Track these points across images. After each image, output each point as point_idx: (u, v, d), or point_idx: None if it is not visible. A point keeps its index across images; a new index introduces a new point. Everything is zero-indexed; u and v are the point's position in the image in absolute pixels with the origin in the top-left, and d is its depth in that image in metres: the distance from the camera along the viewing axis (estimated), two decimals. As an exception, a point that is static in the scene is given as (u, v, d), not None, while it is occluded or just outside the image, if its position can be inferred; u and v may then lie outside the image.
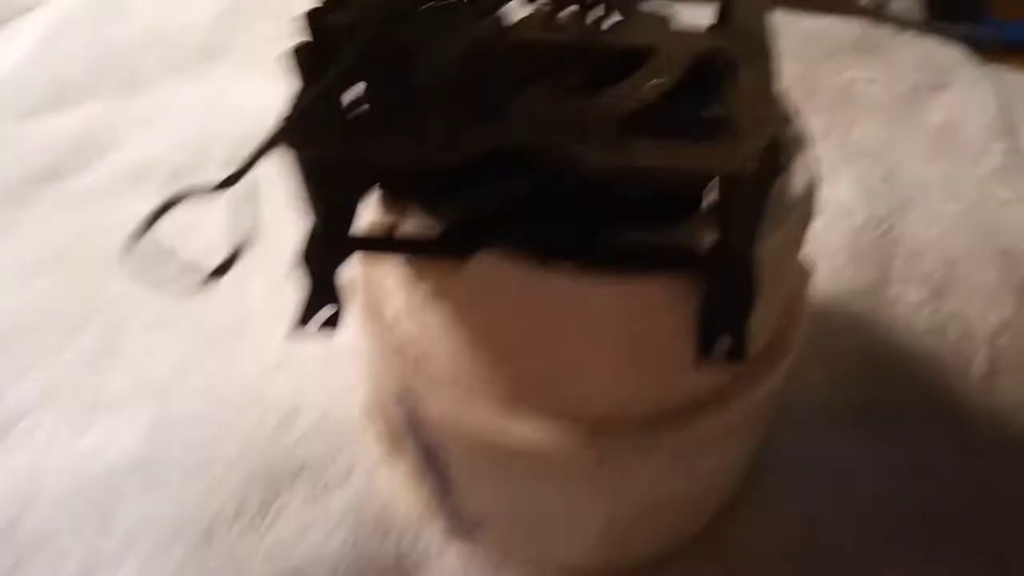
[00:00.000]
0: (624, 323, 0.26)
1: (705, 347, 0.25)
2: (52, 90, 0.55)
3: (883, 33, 0.59)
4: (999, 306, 0.44)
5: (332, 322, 0.27)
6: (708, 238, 0.24)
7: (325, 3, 0.24)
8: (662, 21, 0.25)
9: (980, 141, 0.53)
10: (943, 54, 0.58)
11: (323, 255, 0.26)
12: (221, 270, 0.22)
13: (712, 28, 0.26)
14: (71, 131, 0.53)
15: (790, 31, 0.58)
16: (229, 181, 0.21)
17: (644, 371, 0.27)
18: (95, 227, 0.47)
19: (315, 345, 0.35)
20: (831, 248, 0.46)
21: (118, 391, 0.42)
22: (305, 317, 0.27)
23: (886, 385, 0.41)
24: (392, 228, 0.27)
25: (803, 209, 0.28)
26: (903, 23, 0.66)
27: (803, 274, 0.33)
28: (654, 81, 0.23)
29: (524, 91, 0.23)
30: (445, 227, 0.25)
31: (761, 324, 0.30)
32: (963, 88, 0.56)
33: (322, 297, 0.27)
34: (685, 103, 0.24)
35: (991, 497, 0.38)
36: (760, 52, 0.24)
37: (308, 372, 0.42)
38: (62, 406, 0.41)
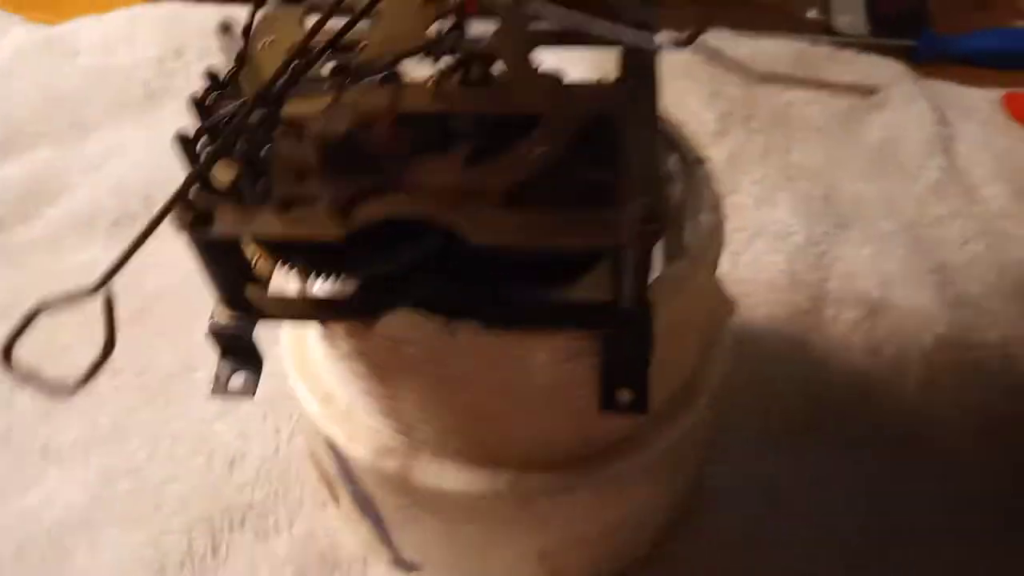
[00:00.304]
0: (529, 376, 0.26)
1: (607, 399, 0.25)
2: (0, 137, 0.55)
3: (821, 53, 0.60)
4: (934, 323, 0.44)
5: (249, 387, 0.27)
6: (602, 294, 0.25)
7: (210, 85, 0.24)
8: (553, 81, 0.25)
9: (917, 157, 0.53)
10: (880, 71, 0.59)
11: (230, 324, 0.27)
12: (85, 380, 0.22)
13: (602, 85, 0.26)
14: (18, 180, 0.53)
15: (730, 54, 0.59)
16: (102, 283, 0.21)
17: (557, 418, 0.28)
18: (41, 278, 0.47)
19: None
20: (770, 271, 0.47)
21: (65, 442, 0.42)
22: (218, 384, 0.27)
23: (824, 406, 0.42)
24: (300, 292, 0.28)
25: (709, 252, 0.29)
26: (846, 38, 0.67)
27: (723, 309, 0.34)
28: (539, 151, 0.23)
29: (415, 161, 0.24)
30: (352, 290, 0.26)
31: (675, 366, 0.30)
32: (900, 105, 0.57)
33: (236, 362, 0.28)
34: (575, 163, 0.24)
35: (929, 512, 0.38)
36: (645, 113, 0.25)
37: (252, 416, 0.42)
38: (8, 460, 0.41)
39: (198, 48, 0.60)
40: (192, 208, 0.23)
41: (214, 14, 0.60)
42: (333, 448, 0.32)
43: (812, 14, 0.71)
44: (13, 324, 0.45)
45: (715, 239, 0.29)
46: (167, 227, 0.50)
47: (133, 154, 0.54)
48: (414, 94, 0.25)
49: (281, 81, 0.23)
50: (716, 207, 0.30)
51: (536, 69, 0.26)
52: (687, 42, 0.23)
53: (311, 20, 0.30)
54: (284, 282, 0.27)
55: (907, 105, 0.57)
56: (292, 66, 0.23)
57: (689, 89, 0.57)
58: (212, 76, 0.25)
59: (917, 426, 0.41)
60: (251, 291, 0.27)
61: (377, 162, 0.24)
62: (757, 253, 0.48)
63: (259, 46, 0.27)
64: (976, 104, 0.58)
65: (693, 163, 0.31)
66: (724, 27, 0.65)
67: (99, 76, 0.59)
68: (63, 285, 0.47)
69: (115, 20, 0.63)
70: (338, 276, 0.25)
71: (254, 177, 0.24)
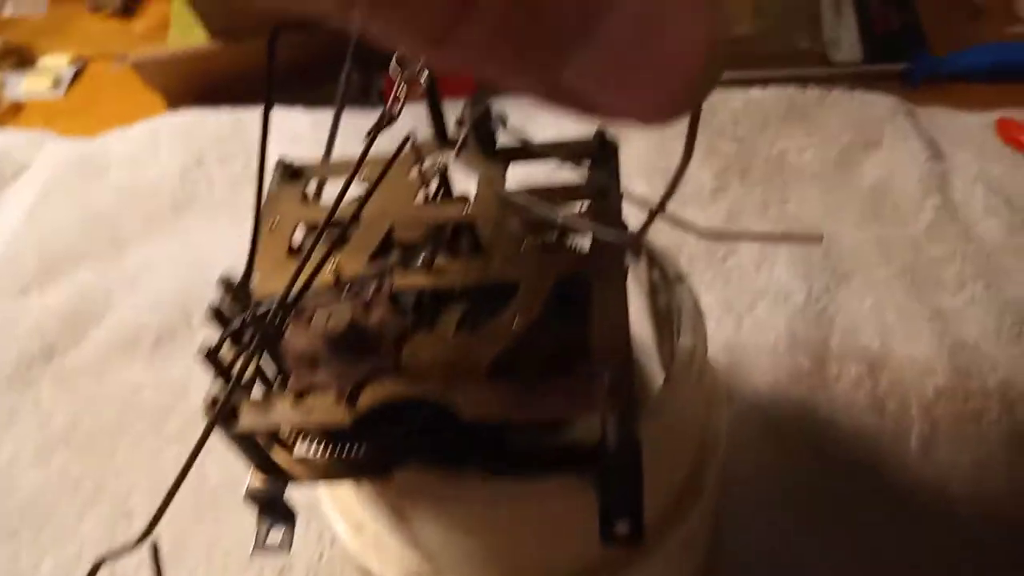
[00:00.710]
0: (530, 512, 0.29)
1: (605, 531, 0.28)
2: (42, 264, 0.59)
3: (812, 97, 0.61)
4: (933, 374, 0.46)
5: (285, 543, 0.31)
6: (593, 435, 0.28)
7: (224, 295, 0.28)
8: (529, 250, 0.28)
9: (913, 198, 0.55)
10: (872, 111, 0.60)
11: (264, 488, 0.30)
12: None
13: (575, 252, 0.29)
14: (65, 304, 0.57)
15: (722, 108, 0.60)
16: (146, 534, 0.24)
17: (560, 547, 0.30)
18: (93, 401, 0.51)
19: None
20: (772, 335, 0.49)
21: (130, 565, 0.46)
22: (258, 541, 0.30)
23: (832, 469, 0.43)
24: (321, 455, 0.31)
25: (690, 375, 0.31)
26: (838, 69, 0.68)
27: (716, 413, 0.36)
28: (518, 320, 0.26)
29: (406, 340, 0.26)
30: (365, 452, 0.29)
31: (670, 477, 0.33)
32: (893, 143, 0.58)
33: (273, 519, 0.31)
34: (548, 321, 0.27)
35: (933, 566, 0.40)
36: (613, 274, 0.27)
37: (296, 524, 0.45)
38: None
39: (217, 154, 0.64)
40: (218, 407, 0.26)
41: (229, 119, 0.64)
42: (367, 572, 0.35)
43: (804, 43, 0.73)
44: (78, 445, 0.48)
45: (695, 362, 0.31)
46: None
47: (167, 268, 0.58)
48: (407, 273, 0.28)
49: (293, 291, 0.25)
50: (695, 328, 0.32)
51: (514, 238, 0.29)
52: (635, 242, 0.26)
53: (311, 198, 0.33)
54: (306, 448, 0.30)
55: (901, 143, 0.58)
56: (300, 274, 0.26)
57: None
58: (226, 283, 0.28)
59: (921, 481, 0.42)
60: (279, 456, 0.30)
61: (376, 340, 0.27)
62: (759, 317, 0.50)
63: (265, 228, 0.31)
64: (970, 131, 0.60)
65: (673, 280, 0.34)
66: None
67: (130, 191, 0.63)
68: (113, 407, 0.51)
69: (140, 133, 0.67)
70: (351, 445, 0.28)
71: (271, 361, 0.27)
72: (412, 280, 0.28)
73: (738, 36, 0.73)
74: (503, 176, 0.31)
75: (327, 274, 0.28)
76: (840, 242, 0.53)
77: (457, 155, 0.31)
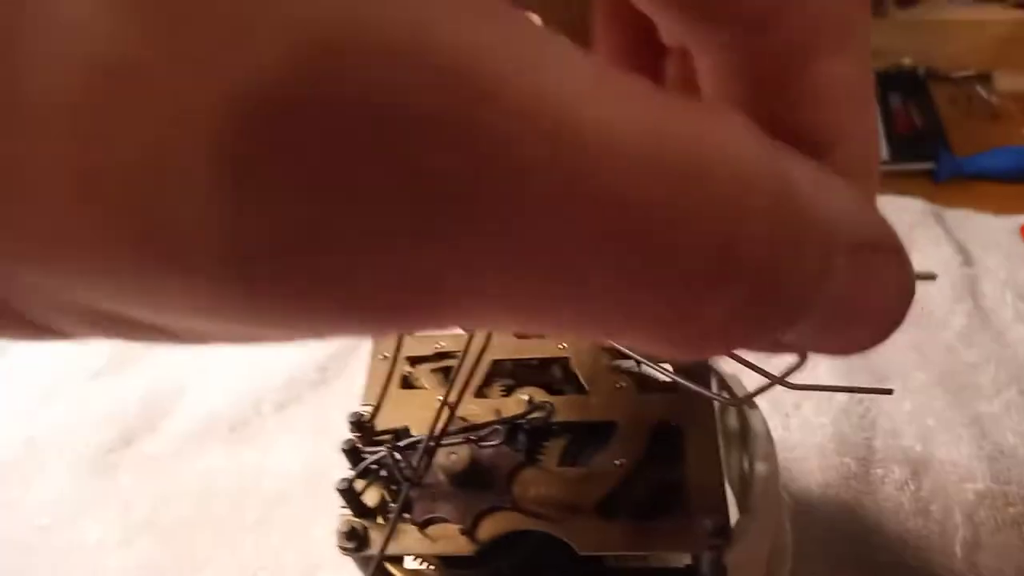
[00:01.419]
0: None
1: None
2: (115, 349, 0.62)
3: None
4: (974, 479, 0.49)
5: None
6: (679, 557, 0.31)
7: (355, 428, 0.31)
8: (626, 393, 0.32)
9: (945, 303, 0.58)
10: (903, 215, 0.64)
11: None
12: None
13: (668, 396, 0.32)
14: (142, 389, 0.60)
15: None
16: None
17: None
18: (172, 490, 0.54)
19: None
20: (819, 435, 0.52)
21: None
22: None
23: (881, 573, 0.46)
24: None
25: (767, 503, 0.34)
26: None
27: (782, 529, 0.39)
28: (619, 461, 0.29)
29: (517, 476, 0.30)
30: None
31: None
32: (924, 248, 0.61)
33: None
34: (651, 464, 0.30)
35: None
36: (704, 420, 0.30)
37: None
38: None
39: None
40: (353, 536, 0.29)
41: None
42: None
43: (833, 141, 0.76)
44: (161, 533, 0.51)
45: (770, 490, 0.34)
46: (278, 430, 0.56)
47: (235, 356, 0.61)
48: (513, 407, 0.31)
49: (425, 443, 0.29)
50: (768, 455, 0.35)
51: (611, 380, 0.32)
52: (740, 402, 0.30)
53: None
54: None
55: (932, 248, 0.61)
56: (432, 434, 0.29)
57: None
58: (357, 422, 0.31)
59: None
60: (397, 570, 0.33)
61: (491, 474, 0.30)
62: (805, 417, 0.52)
63: (378, 358, 0.34)
64: (996, 236, 0.63)
65: (746, 406, 0.37)
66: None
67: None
68: (190, 495, 0.54)
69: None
70: (466, 570, 0.31)
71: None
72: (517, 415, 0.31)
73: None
74: None
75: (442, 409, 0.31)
76: (878, 346, 0.56)
77: None
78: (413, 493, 0.30)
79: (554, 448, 0.31)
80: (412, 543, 0.29)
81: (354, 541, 0.29)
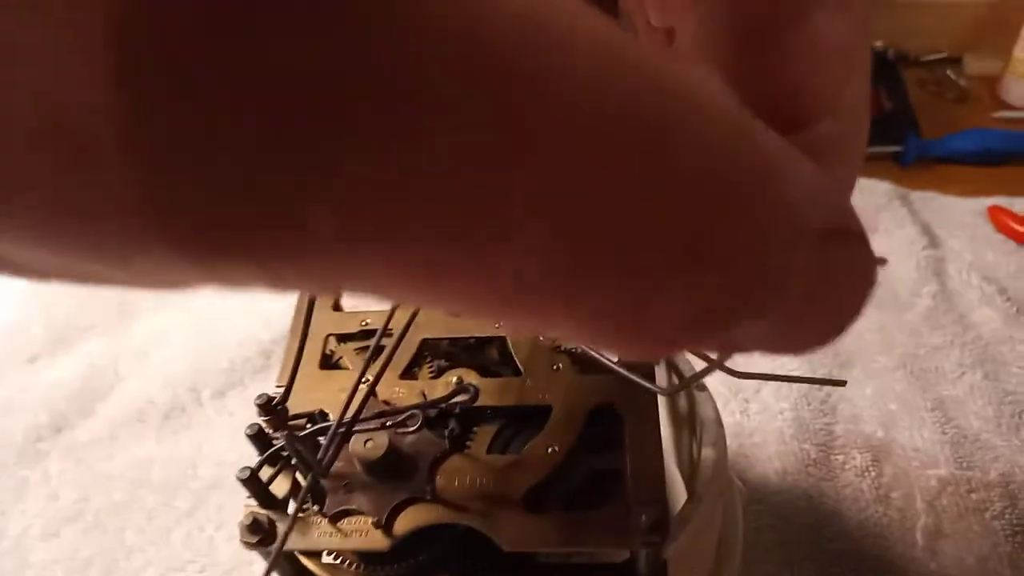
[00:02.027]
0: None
1: None
2: (50, 334, 0.60)
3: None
4: (936, 464, 0.47)
5: None
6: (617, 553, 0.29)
7: (263, 408, 0.28)
8: (562, 376, 0.29)
9: (910, 284, 0.56)
10: (868, 197, 0.62)
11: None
12: None
13: (606, 379, 0.30)
14: (74, 375, 0.57)
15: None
16: None
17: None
18: (102, 478, 0.51)
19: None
20: (779, 421, 0.50)
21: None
22: None
23: (840, 560, 0.44)
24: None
25: (713, 488, 0.32)
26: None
27: (732, 517, 0.37)
28: (552, 448, 0.27)
29: (441, 465, 0.27)
30: (395, 571, 0.29)
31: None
32: (890, 230, 0.60)
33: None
34: (587, 451, 0.28)
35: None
36: (646, 407, 0.28)
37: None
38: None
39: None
40: (257, 528, 0.27)
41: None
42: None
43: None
44: (89, 521, 0.48)
45: (717, 476, 0.32)
46: (217, 417, 0.53)
47: (176, 340, 0.58)
48: (441, 390, 0.29)
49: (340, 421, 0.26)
50: (717, 441, 0.33)
51: (549, 361, 0.30)
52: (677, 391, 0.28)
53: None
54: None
55: (897, 230, 0.60)
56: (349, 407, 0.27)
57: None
58: (265, 405, 0.28)
59: None
60: (311, 564, 0.30)
61: (411, 463, 0.28)
62: (765, 402, 0.51)
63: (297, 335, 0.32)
64: (963, 218, 0.62)
65: (694, 389, 0.35)
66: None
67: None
68: (122, 483, 0.51)
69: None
70: (384, 567, 0.29)
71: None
72: (442, 399, 0.29)
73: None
74: None
75: (361, 390, 0.29)
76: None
77: None
78: (326, 483, 0.28)
79: (484, 435, 0.29)
80: (322, 538, 0.27)
81: (258, 534, 0.27)
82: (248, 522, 0.27)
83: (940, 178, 0.69)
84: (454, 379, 0.30)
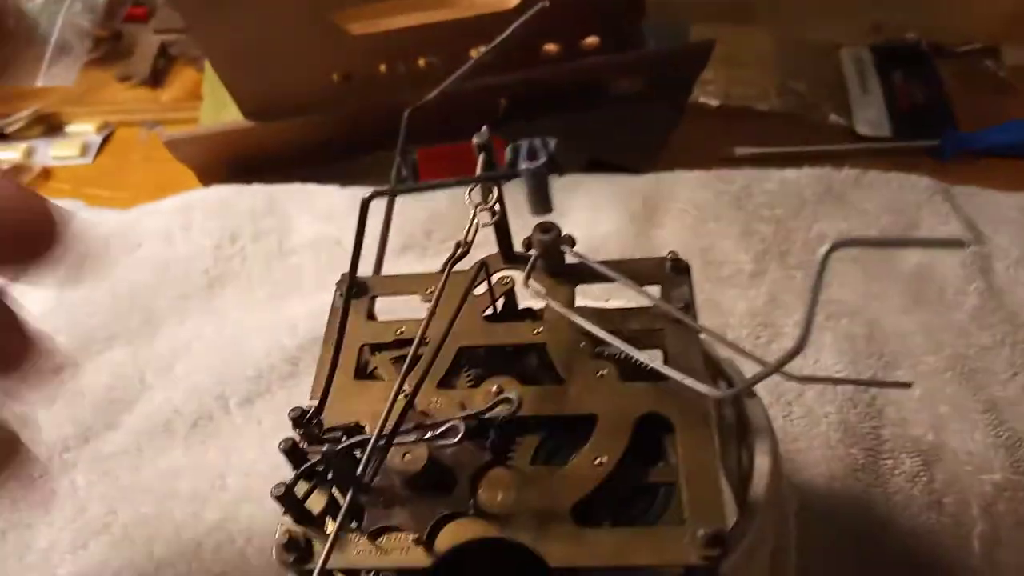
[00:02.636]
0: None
1: None
2: (74, 343, 0.59)
3: (846, 179, 0.61)
4: (991, 469, 0.45)
5: None
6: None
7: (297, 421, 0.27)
8: (608, 384, 0.28)
9: (955, 282, 0.54)
10: (909, 193, 0.60)
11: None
12: None
13: (656, 386, 0.28)
14: (99, 385, 0.56)
15: (757, 189, 0.60)
16: None
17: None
18: (129, 489, 0.50)
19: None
20: (823, 424, 0.48)
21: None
22: None
23: (893, 569, 0.42)
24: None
25: (770, 500, 0.30)
26: (869, 144, 0.69)
27: (785, 526, 0.35)
28: (600, 459, 0.26)
29: (483, 478, 0.26)
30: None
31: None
32: (933, 226, 0.58)
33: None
34: (637, 462, 0.26)
35: None
36: (697, 406, 0.27)
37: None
38: None
39: (251, 232, 0.64)
40: (294, 547, 0.25)
41: (263, 195, 0.64)
42: None
43: (833, 118, 0.73)
44: (116, 535, 0.47)
45: (772, 486, 0.30)
46: (245, 426, 0.52)
47: (201, 348, 0.57)
48: (481, 400, 0.27)
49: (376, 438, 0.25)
50: (771, 449, 0.31)
51: (592, 367, 0.29)
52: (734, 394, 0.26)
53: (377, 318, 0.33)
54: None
55: (940, 226, 0.58)
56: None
57: (720, 232, 0.59)
58: (298, 418, 0.27)
59: (986, 585, 0.41)
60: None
61: (452, 476, 0.26)
62: (809, 405, 0.49)
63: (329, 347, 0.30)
64: (1007, 213, 0.59)
65: (744, 395, 0.33)
66: (747, 146, 0.67)
67: (162, 268, 0.63)
68: (150, 495, 0.50)
69: (172, 208, 0.66)
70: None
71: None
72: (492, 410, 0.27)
73: (765, 111, 0.74)
74: (572, 297, 0.31)
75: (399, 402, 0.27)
76: (883, 327, 0.53)
77: (528, 277, 0.31)
78: (363, 499, 0.26)
79: (527, 445, 0.28)
80: (360, 555, 0.25)
81: (294, 553, 0.25)
82: (284, 540, 0.26)
83: (981, 172, 0.66)
84: (494, 388, 0.29)
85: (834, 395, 0.49)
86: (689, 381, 0.26)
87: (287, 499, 0.25)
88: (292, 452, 0.26)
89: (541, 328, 0.30)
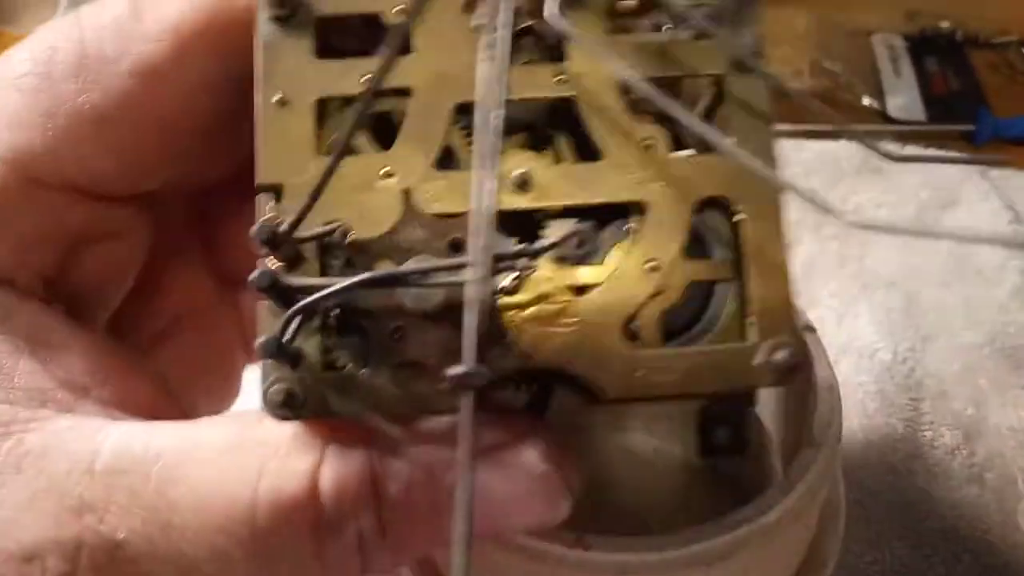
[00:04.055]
0: None
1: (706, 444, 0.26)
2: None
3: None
4: (1035, 445, 0.43)
5: None
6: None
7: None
8: (654, 152, 0.22)
9: (995, 259, 0.53)
10: (947, 171, 0.58)
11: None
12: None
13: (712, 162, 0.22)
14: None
15: (794, 159, 0.59)
16: None
17: None
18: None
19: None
20: (860, 394, 0.46)
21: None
22: None
23: (933, 547, 0.40)
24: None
25: (832, 437, 0.28)
26: (903, 126, 0.67)
27: (836, 479, 0.33)
28: (652, 263, 0.21)
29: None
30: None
31: (801, 545, 0.30)
32: (972, 203, 0.56)
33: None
34: (694, 263, 0.21)
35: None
36: (767, 199, 0.21)
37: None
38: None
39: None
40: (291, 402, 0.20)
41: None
42: None
43: (866, 100, 0.71)
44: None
45: (836, 421, 0.28)
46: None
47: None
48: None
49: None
50: (831, 387, 0.29)
51: (635, 133, 0.22)
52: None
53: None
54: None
55: (979, 203, 0.56)
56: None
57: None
58: (270, 234, 0.20)
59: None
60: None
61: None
62: (845, 374, 0.47)
63: (268, 102, 0.21)
64: (1047, 196, 0.58)
65: (803, 329, 0.31)
66: (781, 123, 0.65)
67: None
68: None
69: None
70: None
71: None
72: (505, 202, 0.21)
73: (798, 91, 0.72)
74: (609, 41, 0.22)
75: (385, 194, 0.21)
76: (921, 301, 0.51)
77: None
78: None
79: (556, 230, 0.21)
80: (384, 397, 0.20)
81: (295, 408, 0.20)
82: (279, 398, 0.20)
83: (1017, 158, 0.65)
84: (512, 172, 0.21)
85: (871, 365, 0.47)
86: (757, 165, 0.20)
87: (274, 351, 0.19)
88: (274, 288, 0.19)
89: (563, 75, 0.22)
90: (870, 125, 0.66)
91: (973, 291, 0.51)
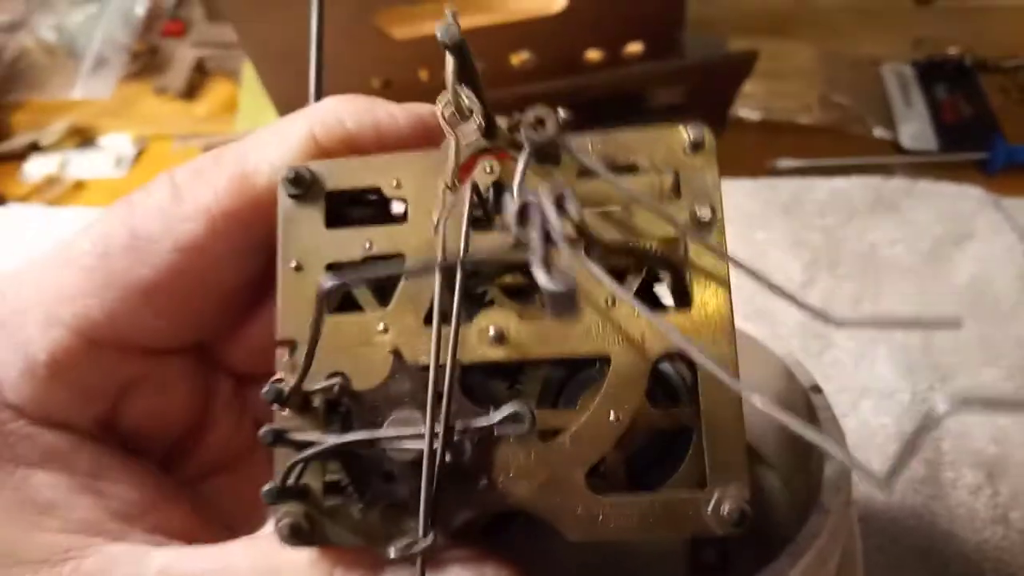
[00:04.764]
0: None
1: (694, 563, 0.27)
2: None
3: (897, 189, 0.60)
4: (1059, 483, 0.43)
5: None
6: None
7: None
8: (615, 308, 0.23)
9: (1012, 294, 0.53)
10: (961, 203, 0.59)
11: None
12: None
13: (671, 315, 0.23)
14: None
15: (807, 199, 0.59)
16: None
17: None
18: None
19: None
20: (880, 436, 0.46)
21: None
22: None
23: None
24: None
25: (842, 505, 0.29)
26: (917, 156, 0.67)
27: (852, 534, 0.33)
28: (616, 415, 0.22)
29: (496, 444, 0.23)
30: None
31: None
32: (987, 236, 0.56)
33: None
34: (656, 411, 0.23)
35: None
36: (723, 350, 0.22)
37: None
38: None
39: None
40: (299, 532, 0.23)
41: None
42: None
43: (879, 132, 0.72)
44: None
45: (845, 483, 0.29)
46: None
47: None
48: (472, 339, 0.23)
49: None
50: (840, 445, 0.30)
51: (598, 291, 0.23)
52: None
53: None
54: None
55: (994, 236, 0.56)
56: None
57: (769, 241, 0.57)
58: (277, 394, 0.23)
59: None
60: None
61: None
62: (864, 416, 0.47)
63: (286, 269, 0.25)
64: (1062, 225, 0.58)
65: (810, 390, 0.32)
66: (791, 158, 0.66)
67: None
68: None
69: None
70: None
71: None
72: (483, 354, 0.23)
73: (807, 124, 0.73)
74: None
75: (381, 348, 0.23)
76: (938, 338, 0.51)
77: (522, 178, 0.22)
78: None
79: (530, 386, 0.24)
80: (369, 531, 0.23)
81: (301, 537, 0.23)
82: (287, 530, 0.23)
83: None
84: (489, 329, 0.23)
85: (890, 406, 0.48)
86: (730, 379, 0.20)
87: (284, 493, 0.22)
88: (279, 442, 0.22)
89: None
90: (881, 158, 0.67)
91: (991, 327, 0.52)
